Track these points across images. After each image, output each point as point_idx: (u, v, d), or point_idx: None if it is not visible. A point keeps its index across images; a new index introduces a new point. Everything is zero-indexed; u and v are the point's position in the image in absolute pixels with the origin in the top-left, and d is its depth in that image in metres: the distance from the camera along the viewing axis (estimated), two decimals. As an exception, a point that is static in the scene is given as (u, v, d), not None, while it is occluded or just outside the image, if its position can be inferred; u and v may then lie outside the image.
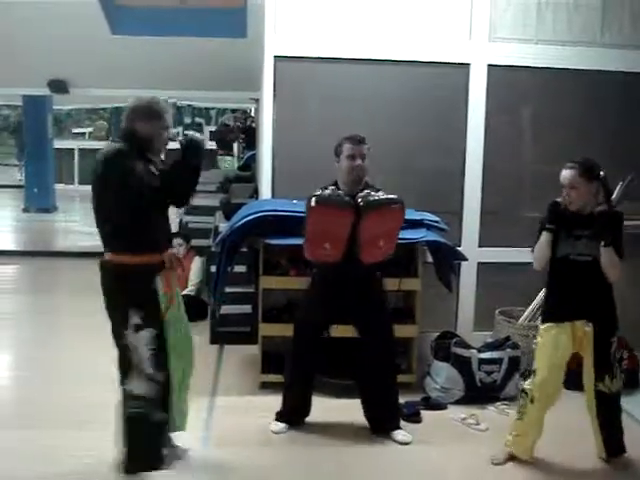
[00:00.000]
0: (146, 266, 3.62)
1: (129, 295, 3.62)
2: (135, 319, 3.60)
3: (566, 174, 3.94)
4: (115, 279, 3.63)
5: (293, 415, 4.57)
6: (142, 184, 3.45)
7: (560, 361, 4.06)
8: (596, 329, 4.00)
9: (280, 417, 4.55)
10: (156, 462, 3.74)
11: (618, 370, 4.15)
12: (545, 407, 4.09)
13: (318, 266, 4.41)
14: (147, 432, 3.67)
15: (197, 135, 3.81)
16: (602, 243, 3.88)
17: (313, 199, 4.12)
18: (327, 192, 4.19)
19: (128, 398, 3.65)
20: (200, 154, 3.69)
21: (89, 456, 4.01)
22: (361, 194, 4.18)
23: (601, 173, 3.96)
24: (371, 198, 4.16)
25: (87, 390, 4.58)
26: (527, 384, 4.13)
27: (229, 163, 15.38)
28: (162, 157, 3.73)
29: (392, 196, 4.24)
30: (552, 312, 4.12)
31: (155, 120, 3.60)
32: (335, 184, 4.36)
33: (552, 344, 4.03)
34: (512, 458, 4.18)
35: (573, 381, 5.08)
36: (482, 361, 4.98)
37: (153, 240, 3.66)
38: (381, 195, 4.26)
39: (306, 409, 4.59)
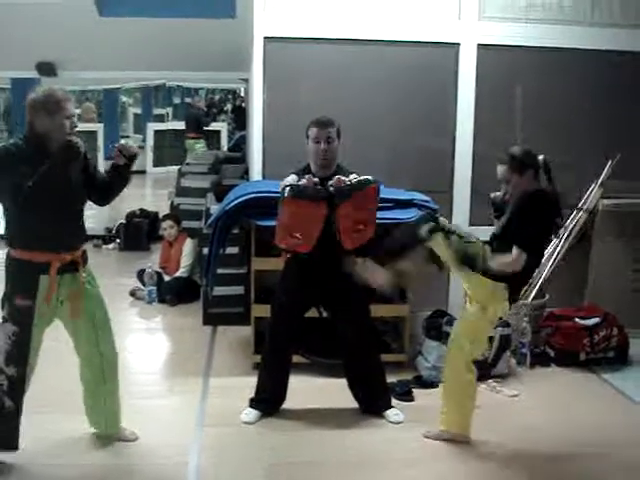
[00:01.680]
0: (28, 263, 3.61)
1: (6, 287, 3.66)
2: (4, 311, 3.66)
3: (499, 170, 3.97)
4: (5, 269, 3.66)
5: (268, 401, 4.52)
6: (16, 183, 3.44)
7: None
8: None
9: (253, 403, 4.50)
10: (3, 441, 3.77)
11: None
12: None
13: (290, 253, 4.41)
14: None
15: (132, 148, 3.83)
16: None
17: (287, 190, 4.08)
18: (302, 183, 4.13)
19: None
20: (129, 171, 3.84)
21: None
22: (331, 182, 4.11)
23: (539, 158, 3.98)
24: (343, 185, 4.09)
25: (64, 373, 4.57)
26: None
27: (201, 149, 14.45)
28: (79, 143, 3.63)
29: (362, 178, 4.18)
30: None
31: (54, 113, 3.53)
32: (307, 167, 4.35)
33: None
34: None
35: (563, 358, 5.18)
36: (473, 340, 5.01)
37: (38, 238, 3.60)
38: (352, 178, 4.19)
39: (281, 394, 4.55)
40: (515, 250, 3.76)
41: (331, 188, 4.10)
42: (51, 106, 3.53)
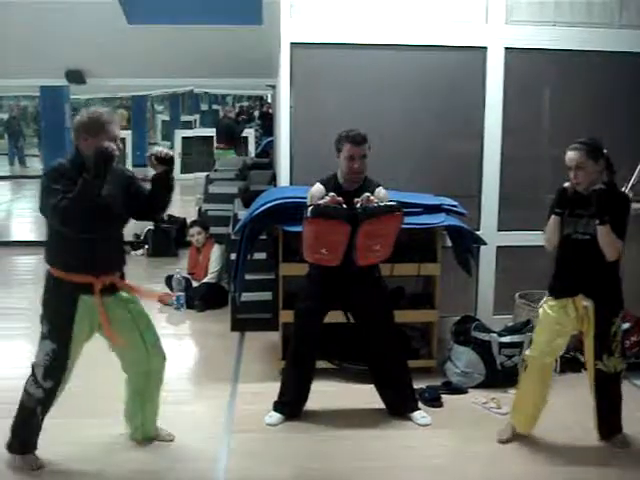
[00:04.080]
0: (68, 284, 3.67)
1: (45, 305, 3.75)
2: (43, 327, 3.74)
3: (572, 155, 3.92)
4: (45, 287, 3.76)
5: (291, 404, 4.55)
6: (58, 205, 3.44)
7: (557, 336, 4.13)
8: (597, 306, 4.02)
9: (276, 406, 4.54)
10: (21, 446, 3.85)
11: (619, 349, 4.12)
12: (538, 379, 4.16)
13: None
14: (27, 421, 3.81)
15: (165, 152, 3.79)
16: (597, 221, 3.85)
17: (309, 211, 4.11)
18: (326, 200, 4.14)
19: (25, 390, 3.79)
20: (171, 177, 3.83)
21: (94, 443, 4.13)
22: (359, 199, 4.13)
23: (604, 151, 3.97)
24: (370, 206, 4.12)
25: (101, 379, 4.62)
26: (526, 353, 4.25)
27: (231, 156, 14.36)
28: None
29: (391, 203, 4.21)
30: (554, 288, 4.17)
31: (98, 135, 3.55)
32: (334, 177, 4.37)
33: (551, 318, 4.11)
34: (515, 431, 4.26)
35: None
36: (503, 345, 4.98)
37: (79, 259, 3.65)
38: (382, 193, 4.28)
39: (304, 397, 4.58)
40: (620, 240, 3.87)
41: (358, 205, 4.11)
42: (95, 127, 3.57)
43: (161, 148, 3.88)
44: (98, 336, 3.91)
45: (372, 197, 4.15)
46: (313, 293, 4.49)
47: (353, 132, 4.27)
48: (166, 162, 3.78)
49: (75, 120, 3.64)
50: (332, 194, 4.16)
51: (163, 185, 3.83)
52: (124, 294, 3.87)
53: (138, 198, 3.85)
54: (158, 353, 4.04)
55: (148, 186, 3.90)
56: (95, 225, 3.55)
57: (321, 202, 4.15)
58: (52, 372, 3.72)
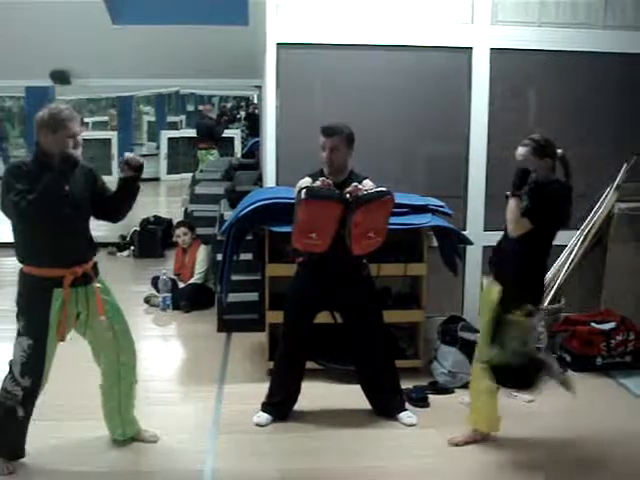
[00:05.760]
0: (41, 278, 3.67)
1: (20, 302, 3.74)
2: (19, 324, 3.74)
3: (520, 150, 4.00)
4: (18, 284, 3.76)
5: (279, 405, 4.54)
6: (20, 201, 3.46)
7: None
8: None
9: (265, 407, 4.53)
10: (9, 450, 3.84)
11: None
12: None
13: (305, 255, 4.40)
14: (8, 422, 3.79)
15: (137, 159, 3.84)
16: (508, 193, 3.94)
17: (303, 192, 4.11)
18: (317, 184, 4.18)
19: (3, 388, 3.78)
20: (138, 183, 3.86)
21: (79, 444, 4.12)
22: (348, 189, 4.14)
23: (558, 151, 4.00)
24: (360, 193, 4.13)
25: (88, 380, 4.59)
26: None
27: (213, 158, 14.24)
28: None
29: (381, 188, 4.22)
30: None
31: (57, 131, 3.57)
32: (321, 171, 4.37)
33: None
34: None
35: (580, 363, 5.15)
36: (489, 345, 4.99)
37: (48, 254, 3.66)
38: (369, 184, 4.27)
39: (293, 398, 4.57)
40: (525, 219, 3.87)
41: (347, 195, 4.12)
42: (55, 124, 3.58)
43: (133, 155, 3.91)
44: (83, 339, 3.91)
45: (360, 186, 4.17)
46: (302, 293, 4.48)
47: (328, 124, 4.31)
48: (135, 169, 3.83)
49: (36, 116, 3.64)
50: (322, 178, 4.21)
51: (128, 190, 3.88)
52: (98, 285, 3.86)
53: (101, 197, 3.88)
54: (128, 346, 4.02)
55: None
56: (57, 221, 3.58)
57: (314, 185, 4.19)
58: (30, 369, 3.71)
